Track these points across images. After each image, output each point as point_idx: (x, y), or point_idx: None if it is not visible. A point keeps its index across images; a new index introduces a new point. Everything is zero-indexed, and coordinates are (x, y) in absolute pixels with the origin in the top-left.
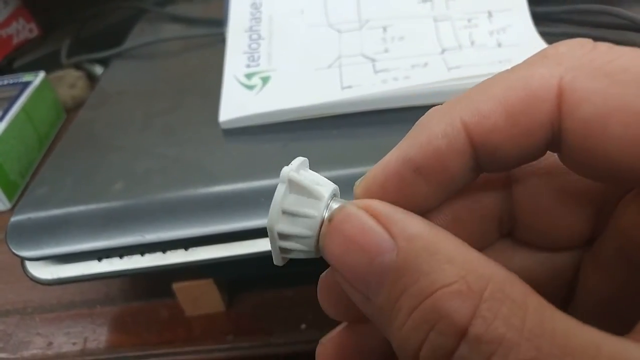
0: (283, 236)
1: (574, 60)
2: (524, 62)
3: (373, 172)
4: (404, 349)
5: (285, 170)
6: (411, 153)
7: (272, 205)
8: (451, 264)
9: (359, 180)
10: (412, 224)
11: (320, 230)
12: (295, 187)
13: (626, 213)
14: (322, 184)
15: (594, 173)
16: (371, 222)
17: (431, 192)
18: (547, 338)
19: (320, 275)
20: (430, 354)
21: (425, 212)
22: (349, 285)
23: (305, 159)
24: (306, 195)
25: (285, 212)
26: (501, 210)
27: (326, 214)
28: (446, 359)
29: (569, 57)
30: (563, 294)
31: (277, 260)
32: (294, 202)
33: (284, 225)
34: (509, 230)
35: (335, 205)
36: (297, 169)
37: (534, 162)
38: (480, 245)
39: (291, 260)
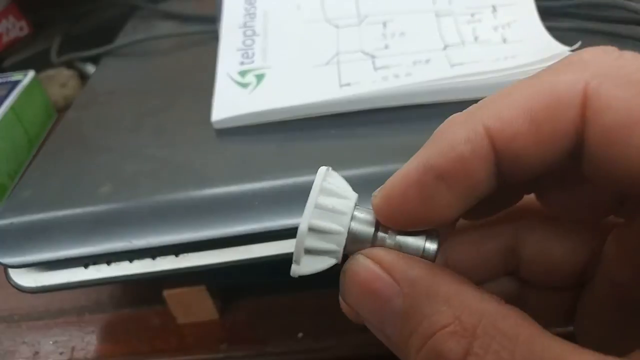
0: (314, 231)
1: (599, 67)
2: (548, 68)
3: (392, 181)
4: None
5: (320, 176)
6: (433, 160)
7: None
8: (448, 305)
9: (377, 190)
10: (413, 268)
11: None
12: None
13: (609, 254)
14: (347, 189)
15: (614, 183)
16: (377, 270)
17: (453, 200)
18: None
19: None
20: None
21: (446, 222)
22: (370, 324)
23: (328, 169)
24: (336, 196)
25: (318, 207)
26: (507, 248)
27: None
28: None
29: (594, 64)
30: (564, 317)
31: (296, 267)
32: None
33: (317, 220)
34: (514, 268)
35: (358, 213)
36: (325, 175)
37: (537, 207)
38: (487, 277)
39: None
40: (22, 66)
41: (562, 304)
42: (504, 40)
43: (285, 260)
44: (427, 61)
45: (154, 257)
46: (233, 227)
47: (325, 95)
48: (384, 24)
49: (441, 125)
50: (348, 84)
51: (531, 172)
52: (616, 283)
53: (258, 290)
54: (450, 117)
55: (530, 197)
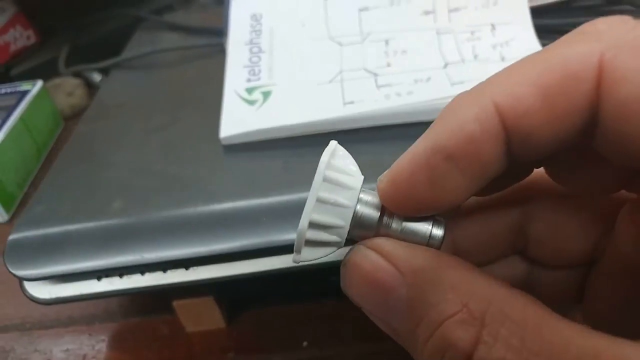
0: (315, 225)
1: (615, 37)
2: (560, 40)
3: (399, 164)
4: None
5: (322, 166)
6: (442, 140)
7: (308, 196)
8: (454, 292)
9: (383, 174)
10: (416, 257)
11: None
12: (330, 180)
13: (621, 230)
14: (353, 174)
15: (629, 157)
16: (380, 261)
17: (463, 182)
18: (545, 353)
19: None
20: None
21: (456, 204)
22: (375, 317)
23: (335, 143)
24: (340, 186)
25: (319, 200)
26: (516, 226)
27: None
28: None
29: (609, 35)
30: (573, 297)
31: (297, 255)
32: (328, 191)
33: (318, 215)
34: (523, 247)
35: (364, 196)
36: (329, 160)
37: (547, 184)
38: (495, 257)
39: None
40: (29, 75)
41: (571, 283)
42: (503, 59)
43: (290, 273)
44: (428, 79)
45: (164, 270)
46: (241, 241)
47: (330, 113)
48: (386, 42)
49: (448, 104)
50: (352, 102)
51: (543, 149)
52: (628, 261)
53: (264, 300)
54: (458, 95)
55: (539, 172)
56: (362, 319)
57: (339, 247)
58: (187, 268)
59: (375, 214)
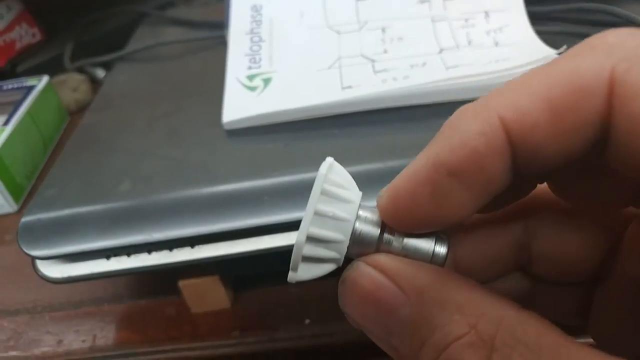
0: (313, 240)
1: (626, 51)
2: (567, 53)
3: (399, 180)
4: None
5: (320, 179)
6: (444, 156)
7: (306, 208)
8: (461, 313)
9: (383, 189)
10: (420, 276)
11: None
12: (328, 193)
13: (628, 249)
14: (351, 188)
15: None
16: (381, 279)
17: (467, 198)
18: None
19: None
20: None
21: (459, 221)
22: (374, 337)
23: (331, 160)
24: (338, 200)
25: (317, 214)
26: (518, 242)
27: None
28: None
29: (620, 48)
30: (577, 313)
31: (293, 274)
32: (326, 204)
33: (316, 228)
34: (526, 263)
35: (363, 212)
36: (327, 174)
37: (550, 198)
38: (497, 273)
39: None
40: (35, 71)
41: (575, 301)
42: (496, 44)
43: (291, 250)
44: (424, 64)
45: (171, 249)
46: (244, 220)
47: (328, 97)
48: (383, 30)
49: (451, 117)
50: (350, 87)
51: (550, 165)
52: (635, 278)
53: (268, 280)
54: (461, 107)
55: (541, 187)
56: None
57: (338, 265)
58: (192, 246)
59: (375, 230)
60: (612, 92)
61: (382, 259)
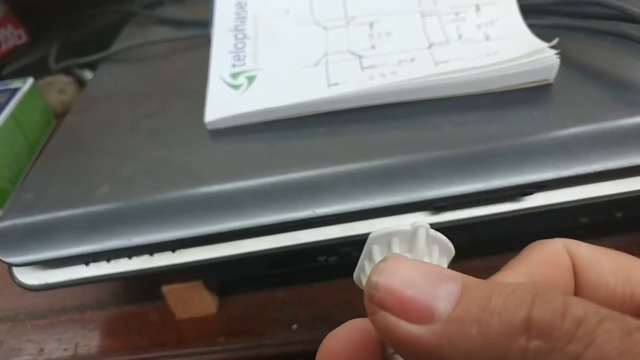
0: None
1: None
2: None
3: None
4: (510, 324)
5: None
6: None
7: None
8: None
9: None
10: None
11: None
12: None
13: None
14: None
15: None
16: (428, 264)
17: None
18: None
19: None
20: (543, 311)
21: None
22: (401, 320)
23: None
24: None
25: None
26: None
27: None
28: (562, 310)
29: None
30: None
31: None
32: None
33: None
34: None
35: None
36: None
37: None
38: None
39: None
40: (21, 73)
41: None
42: (487, 38)
43: (276, 254)
44: (412, 60)
45: (151, 254)
46: (227, 223)
47: (314, 94)
48: (371, 25)
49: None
50: (336, 84)
51: None
52: None
53: (253, 284)
54: None
55: None
56: (350, 301)
57: None
58: (173, 251)
59: None
60: (571, 255)
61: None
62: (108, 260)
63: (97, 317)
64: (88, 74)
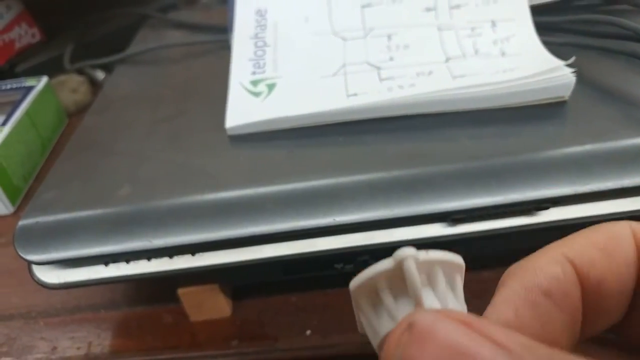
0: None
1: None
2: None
3: (495, 306)
4: None
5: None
6: (533, 279)
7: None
8: None
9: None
10: (517, 333)
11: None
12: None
13: None
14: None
15: None
16: (469, 332)
17: (564, 320)
18: None
19: None
20: None
21: (566, 346)
22: None
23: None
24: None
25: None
26: None
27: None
28: None
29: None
30: None
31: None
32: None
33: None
34: None
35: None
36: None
37: None
38: None
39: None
40: (34, 72)
41: None
42: (503, 54)
43: (294, 260)
44: (430, 73)
45: (171, 256)
46: (247, 228)
47: (333, 104)
48: (389, 37)
49: (518, 263)
50: (355, 94)
51: (613, 303)
52: None
53: (268, 289)
54: (528, 256)
55: None
56: None
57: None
58: (193, 254)
59: None
60: (637, 237)
61: (458, 312)
62: (127, 261)
63: (111, 317)
64: (100, 74)
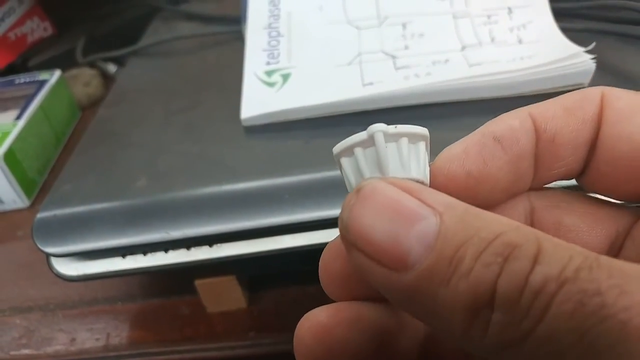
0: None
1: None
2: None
3: (453, 145)
4: (476, 291)
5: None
6: (490, 128)
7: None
8: (501, 221)
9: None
10: (446, 196)
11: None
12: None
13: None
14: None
15: (625, 162)
16: (404, 194)
17: (506, 162)
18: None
19: (325, 250)
20: (507, 280)
21: (502, 185)
22: (374, 263)
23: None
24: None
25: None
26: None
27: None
28: (524, 281)
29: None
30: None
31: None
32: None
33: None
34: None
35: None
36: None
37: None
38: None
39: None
40: (46, 65)
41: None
42: (520, 41)
43: (312, 250)
44: (446, 61)
45: (188, 248)
46: (264, 219)
47: (349, 94)
48: (404, 26)
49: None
50: (371, 83)
51: (566, 153)
52: None
53: (284, 280)
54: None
55: None
56: None
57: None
58: (210, 245)
59: None
60: (603, 99)
61: (404, 180)
62: (145, 253)
63: (128, 309)
64: (112, 67)
